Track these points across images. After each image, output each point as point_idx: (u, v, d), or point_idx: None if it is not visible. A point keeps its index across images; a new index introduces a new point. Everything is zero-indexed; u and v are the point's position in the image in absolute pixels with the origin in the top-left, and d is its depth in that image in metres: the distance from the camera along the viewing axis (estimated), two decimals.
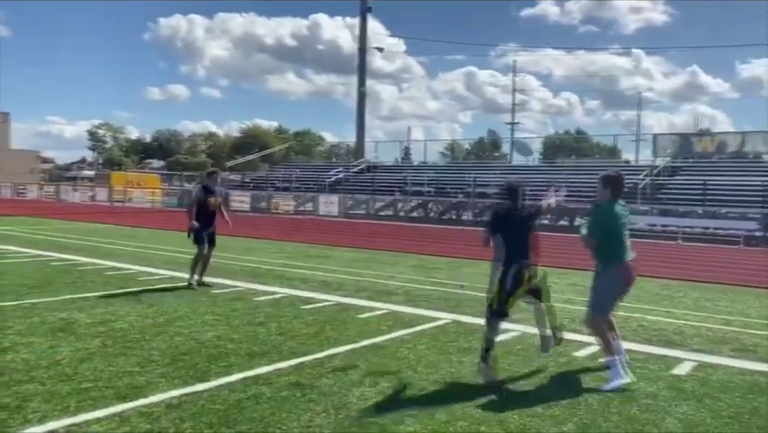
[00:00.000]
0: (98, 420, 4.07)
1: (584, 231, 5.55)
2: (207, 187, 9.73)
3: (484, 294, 6.87)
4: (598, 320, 5.39)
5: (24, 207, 32.21)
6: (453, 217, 28.76)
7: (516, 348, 6.28)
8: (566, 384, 5.23)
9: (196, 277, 9.42)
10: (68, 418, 4.09)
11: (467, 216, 28.67)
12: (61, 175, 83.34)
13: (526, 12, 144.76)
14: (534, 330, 5.98)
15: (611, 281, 5.38)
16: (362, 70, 43.53)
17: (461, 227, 25.70)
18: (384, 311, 7.97)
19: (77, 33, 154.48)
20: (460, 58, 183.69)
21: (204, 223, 9.54)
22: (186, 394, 4.60)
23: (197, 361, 5.46)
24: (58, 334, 6.26)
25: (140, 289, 9.04)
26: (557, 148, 62.80)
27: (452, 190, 31.67)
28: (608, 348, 5.31)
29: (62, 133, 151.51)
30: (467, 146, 60.73)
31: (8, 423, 3.97)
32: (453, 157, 48.99)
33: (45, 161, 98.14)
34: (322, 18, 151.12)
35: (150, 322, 6.91)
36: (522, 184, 5.85)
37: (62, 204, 39.59)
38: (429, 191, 32.13)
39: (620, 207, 5.50)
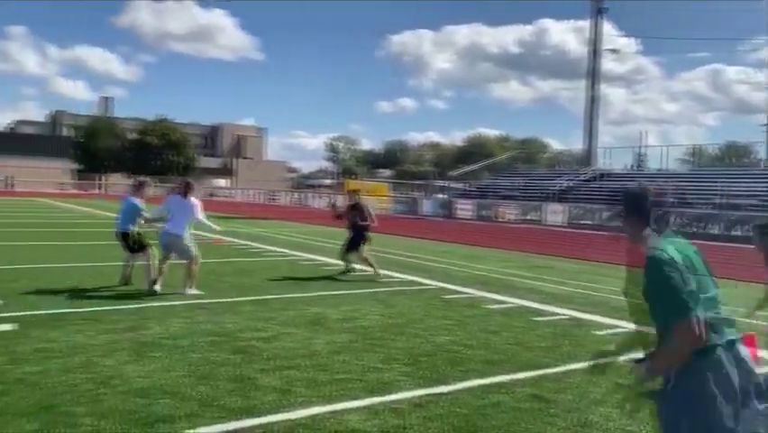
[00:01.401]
0: (353, 410, 4.41)
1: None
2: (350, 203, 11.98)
3: (752, 321, 6.11)
4: None
5: (276, 212, 36.24)
6: (697, 230, 26.13)
7: None
8: None
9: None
10: (328, 405, 4.50)
11: (716, 229, 25.86)
12: (305, 183, 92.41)
13: None
14: None
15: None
16: (594, 74, 41.68)
17: (706, 242, 23.27)
18: (623, 329, 7.51)
19: (318, 56, 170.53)
20: (703, 55, 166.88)
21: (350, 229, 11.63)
22: (429, 394, 4.79)
23: (437, 363, 5.66)
24: (312, 326, 6.93)
25: (379, 289, 9.64)
26: None
27: (696, 201, 28.83)
28: None
29: (306, 145, 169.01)
30: (716, 150, 54.78)
31: (280, 403, 4.49)
32: (698, 163, 44.48)
33: (291, 170, 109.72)
34: (548, 23, 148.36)
35: (390, 322, 7.33)
36: None
37: (306, 209, 43.79)
38: (668, 201, 29.57)
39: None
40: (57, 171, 74.82)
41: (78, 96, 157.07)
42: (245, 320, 7.12)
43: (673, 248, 2.62)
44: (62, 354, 5.49)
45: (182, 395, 4.57)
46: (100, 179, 77.05)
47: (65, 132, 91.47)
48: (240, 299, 8.36)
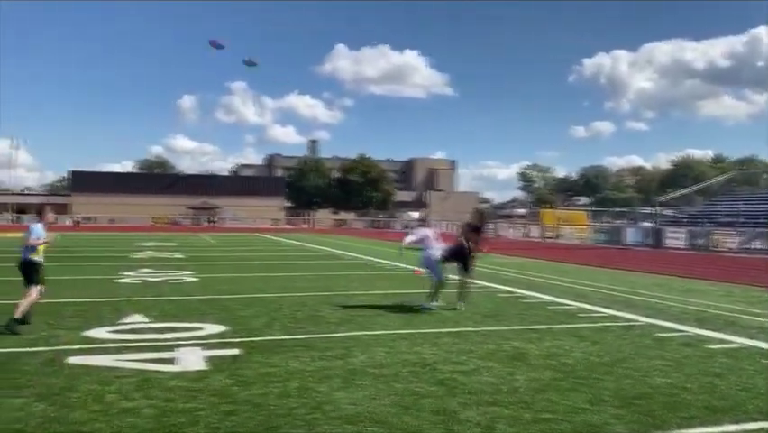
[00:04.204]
0: None
1: None
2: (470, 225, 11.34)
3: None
4: None
5: None
6: None
7: None
8: None
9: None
10: None
11: None
12: (497, 213, 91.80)
13: None
14: None
15: None
16: None
17: None
18: None
19: (507, 86, 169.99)
20: None
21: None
22: None
23: (652, 407, 5.21)
24: (513, 361, 6.78)
25: (581, 325, 9.17)
26: None
27: None
28: None
29: (496, 175, 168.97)
30: None
31: None
32: None
33: (483, 201, 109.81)
34: (762, 31, 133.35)
35: (595, 360, 6.92)
36: None
37: (500, 240, 43.36)
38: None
39: None
40: (273, 209, 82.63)
41: (289, 141, 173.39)
42: (444, 352, 7.18)
43: None
44: (281, 378, 5.96)
45: (388, 424, 4.70)
46: (308, 215, 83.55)
47: (278, 173, 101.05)
48: (438, 331, 8.47)
